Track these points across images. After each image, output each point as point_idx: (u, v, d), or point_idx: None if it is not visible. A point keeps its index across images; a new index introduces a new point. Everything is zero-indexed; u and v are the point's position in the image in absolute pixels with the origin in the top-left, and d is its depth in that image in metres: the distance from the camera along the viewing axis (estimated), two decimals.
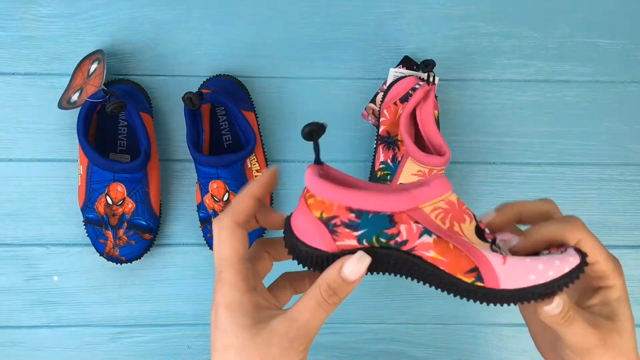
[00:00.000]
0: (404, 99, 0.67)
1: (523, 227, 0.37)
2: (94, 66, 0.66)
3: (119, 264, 0.69)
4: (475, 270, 0.32)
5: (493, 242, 0.34)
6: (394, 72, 0.70)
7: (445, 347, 0.74)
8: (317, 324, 0.32)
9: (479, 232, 0.34)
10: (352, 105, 0.72)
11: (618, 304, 0.36)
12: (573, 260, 0.33)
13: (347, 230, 0.32)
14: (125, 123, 0.70)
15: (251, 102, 0.71)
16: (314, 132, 0.31)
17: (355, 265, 0.32)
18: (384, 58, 0.72)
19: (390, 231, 0.32)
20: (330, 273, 0.32)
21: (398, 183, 0.67)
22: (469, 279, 0.32)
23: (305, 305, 0.32)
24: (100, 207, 0.65)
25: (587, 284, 0.37)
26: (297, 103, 0.72)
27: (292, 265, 0.36)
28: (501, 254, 0.33)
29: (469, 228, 0.33)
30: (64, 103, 0.66)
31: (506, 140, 0.73)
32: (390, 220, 0.32)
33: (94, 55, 0.67)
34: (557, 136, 0.74)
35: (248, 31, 0.72)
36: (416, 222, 0.32)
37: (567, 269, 0.33)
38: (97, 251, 0.68)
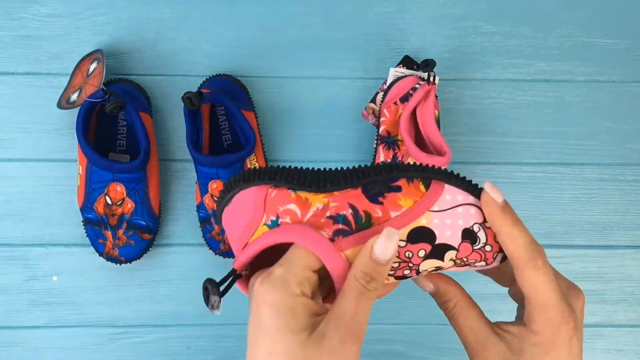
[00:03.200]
0: (404, 98, 0.67)
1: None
2: (93, 66, 0.66)
3: (118, 264, 0.69)
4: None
5: (417, 272, 0.34)
6: (394, 72, 0.70)
7: (445, 347, 0.74)
8: (364, 316, 0.30)
9: (400, 278, 0.34)
10: (352, 105, 0.72)
11: (533, 346, 0.32)
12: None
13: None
14: (125, 123, 0.69)
15: (251, 102, 0.71)
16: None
17: (385, 244, 0.30)
18: (384, 58, 0.72)
19: None
20: (361, 259, 0.30)
21: None
22: None
23: (346, 300, 0.30)
24: (99, 207, 0.65)
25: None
26: (297, 103, 0.72)
27: None
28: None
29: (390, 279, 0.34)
30: (63, 103, 0.66)
31: (507, 140, 0.73)
32: None
33: (93, 55, 0.67)
34: (557, 136, 0.74)
35: (248, 31, 0.71)
36: None
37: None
38: (96, 251, 0.68)
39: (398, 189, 0.32)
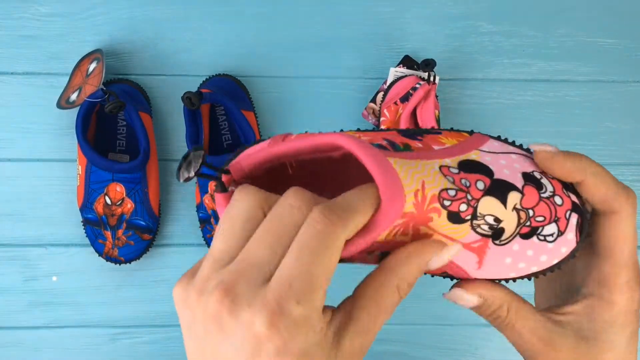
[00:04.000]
0: (405, 98, 0.67)
1: None
2: (92, 65, 0.66)
3: (118, 265, 0.69)
4: (444, 273, 0.28)
5: (474, 217, 0.26)
6: (394, 72, 0.70)
7: (445, 347, 0.74)
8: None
9: (454, 217, 0.26)
10: (352, 105, 0.72)
11: (608, 324, 0.27)
12: (565, 250, 0.28)
13: None
14: (125, 123, 0.69)
15: (251, 102, 0.70)
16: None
17: (443, 259, 0.26)
18: (384, 57, 0.72)
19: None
20: (411, 271, 0.25)
21: None
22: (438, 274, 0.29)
23: (380, 313, 0.25)
24: (99, 207, 0.65)
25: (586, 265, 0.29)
26: (297, 103, 0.72)
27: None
28: (481, 239, 0.26)
29: (439, 222, 0.26)
30: (63, 103, 0.66)
31: None
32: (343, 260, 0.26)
33: (93, 55, 0.67)
34: (557, 136, 0.73)
35: (248, 31, 0.71)
36: (370, 252, 0.26)
37: (554, 261, 0.28)
38: (96, 251, 0.68)
39: (438, 132, 0.28)
